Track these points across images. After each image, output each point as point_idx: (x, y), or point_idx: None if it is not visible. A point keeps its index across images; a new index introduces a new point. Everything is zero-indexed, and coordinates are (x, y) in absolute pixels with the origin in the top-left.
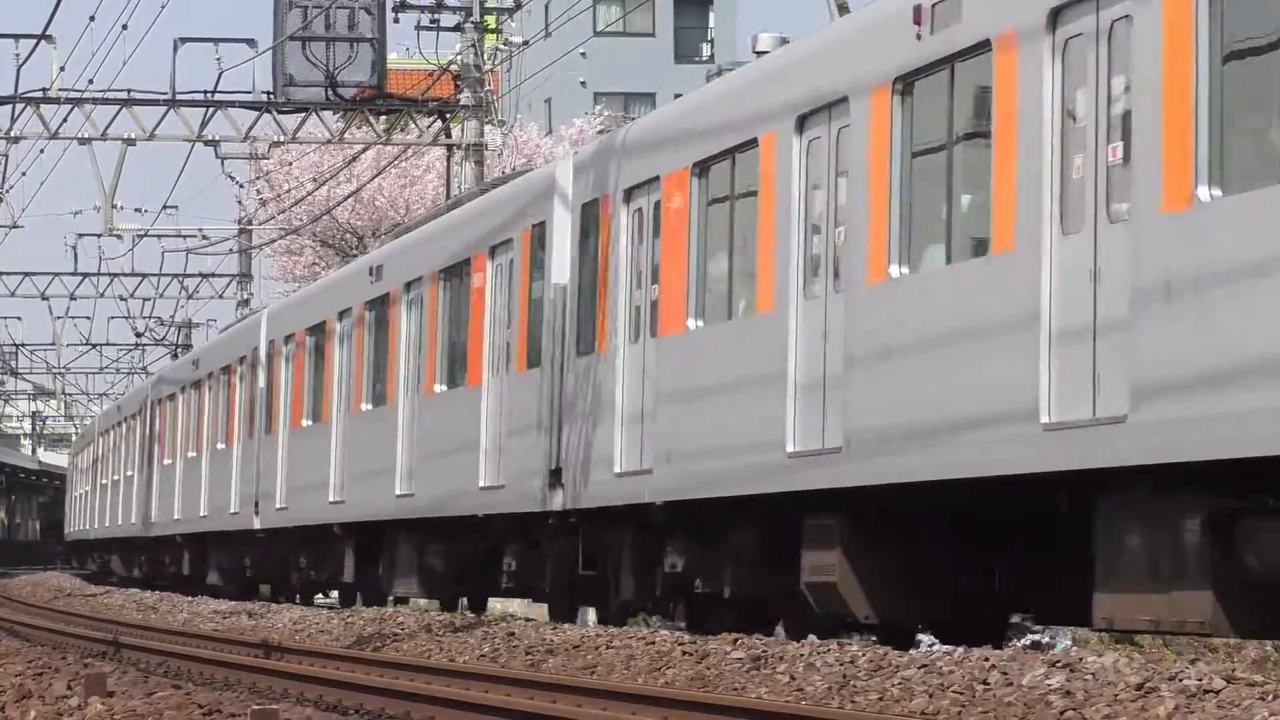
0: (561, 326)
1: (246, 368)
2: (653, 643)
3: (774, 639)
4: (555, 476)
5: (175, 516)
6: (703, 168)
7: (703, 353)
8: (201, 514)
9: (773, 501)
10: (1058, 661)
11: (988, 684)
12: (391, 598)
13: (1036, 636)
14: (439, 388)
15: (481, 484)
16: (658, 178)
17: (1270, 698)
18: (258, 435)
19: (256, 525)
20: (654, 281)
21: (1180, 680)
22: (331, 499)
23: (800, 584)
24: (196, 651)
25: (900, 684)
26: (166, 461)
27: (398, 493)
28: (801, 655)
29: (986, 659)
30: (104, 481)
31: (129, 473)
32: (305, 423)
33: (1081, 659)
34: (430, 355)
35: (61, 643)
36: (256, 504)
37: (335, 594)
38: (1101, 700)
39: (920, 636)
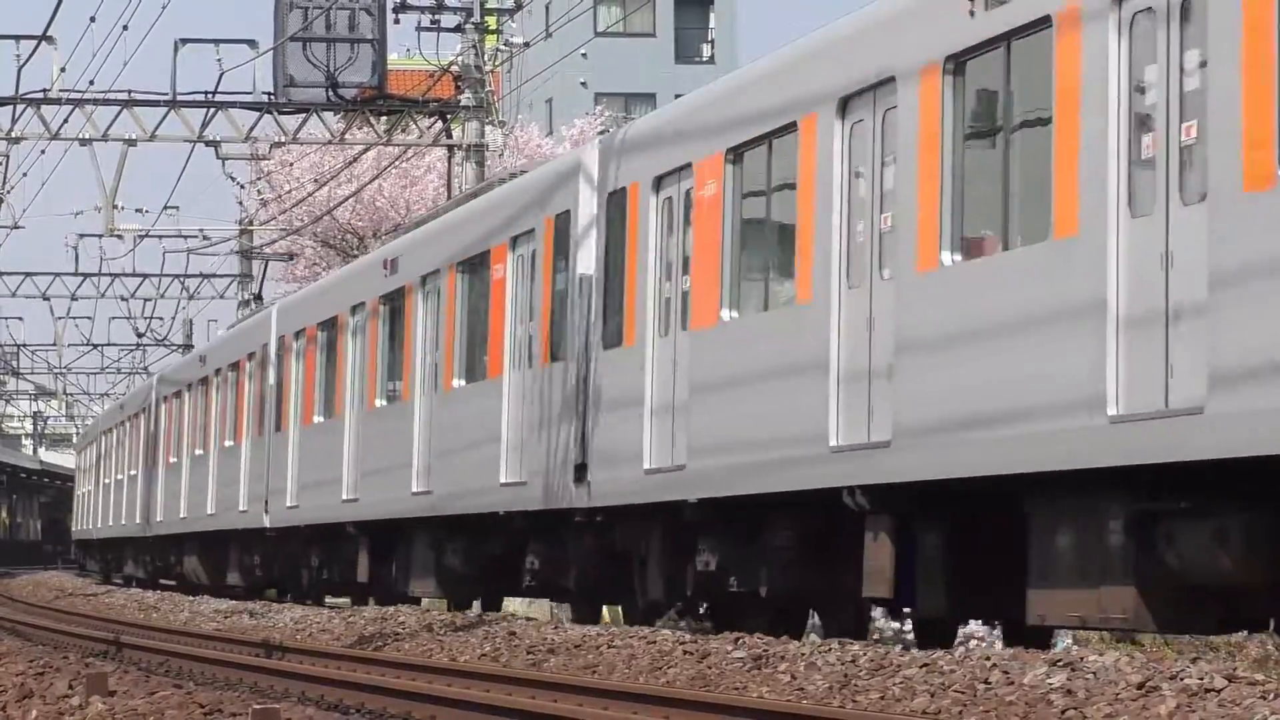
0: None
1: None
2: (654, 642)
3: (775, 638)
4: None
5: (346, 497)
6: None
7: None
8: (417, 489)
9: None
10: (1059, 661)
11: (989, 683)
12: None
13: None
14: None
15: None
16: None
17: (1271, 696)
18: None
19: (586, 503)
20: None
21: (1181, 679)
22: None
23: None
24: (198, 651)
25: (902, 683)
26: (317, 419)
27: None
28: (803, 654)
29: (988, 658)
30: (174, 460)
31: (228, 443)
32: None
33: (1083, 658)
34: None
35: (63, 642)
36: (581, 472)
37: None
38: (1103, 699)
39: None
